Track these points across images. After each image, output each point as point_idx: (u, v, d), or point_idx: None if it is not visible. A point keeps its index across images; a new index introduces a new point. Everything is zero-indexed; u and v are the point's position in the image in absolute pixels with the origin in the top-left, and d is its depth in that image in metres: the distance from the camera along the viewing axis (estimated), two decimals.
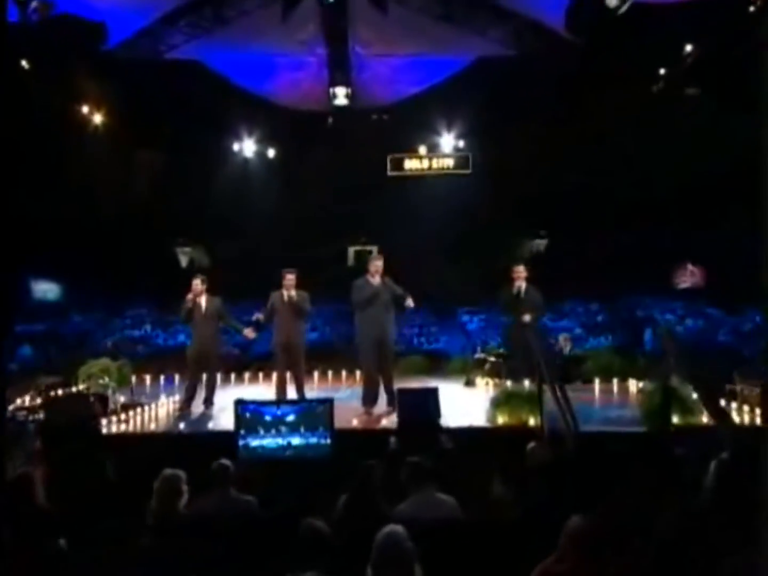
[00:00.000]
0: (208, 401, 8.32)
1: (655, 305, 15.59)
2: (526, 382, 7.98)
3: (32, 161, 11.59)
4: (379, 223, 15.97)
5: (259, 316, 8.35)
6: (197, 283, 8.26)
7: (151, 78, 12.37)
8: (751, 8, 10.38)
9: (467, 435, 6.76)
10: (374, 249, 16.73)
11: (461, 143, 15.44)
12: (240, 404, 6.02)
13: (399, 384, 9.88)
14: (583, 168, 13.96)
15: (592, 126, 13.26)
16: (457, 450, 6.28)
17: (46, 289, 15.56)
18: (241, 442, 5.78)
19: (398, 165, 16.02)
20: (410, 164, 16.17)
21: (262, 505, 4.68)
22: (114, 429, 7.35)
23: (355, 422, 7.33)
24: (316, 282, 12.54)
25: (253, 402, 6.40)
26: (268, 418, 5.91)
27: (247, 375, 11.91)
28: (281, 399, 7.81)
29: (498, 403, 7.28)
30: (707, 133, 12.19)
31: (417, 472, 4.59)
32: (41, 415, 6.67)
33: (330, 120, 14.49)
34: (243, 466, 5.41)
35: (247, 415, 5.93)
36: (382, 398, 8.05)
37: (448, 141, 15.40)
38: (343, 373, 11.88)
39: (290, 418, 5.91)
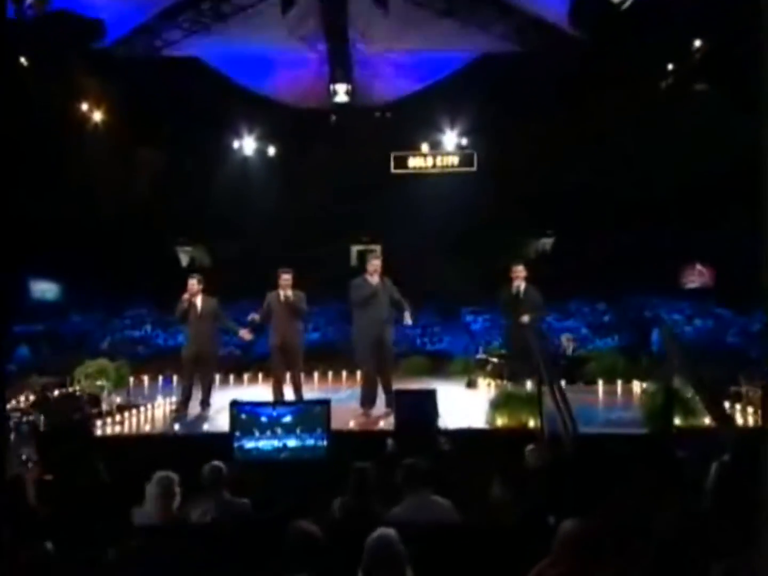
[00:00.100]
0: (205, 402, 8.31)
1: (662, 305, 15.55)
2: (528, 384, 7.96)
3: (32, 161, 11.63)
4: (381, 221, 15.99)
5: (255, 316, 8.33)
6: (193, 283, 8.25)
7: (150, 75, 12.41)
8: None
9: (465, 437, 6.73)
10: (377, 248, 16.76)
11: (464, 141, 15.44)
12: (235, 405, 6.02)
13: (400, 385, 9.93)
14: (588, 166, 13.94)
15: (595, 124, 13.25)
16: (455, 452, 6.28)
17: (45, 289, 15.63)
18: (236, 444, 5.75)
19: (402, 163, 16.04)
20: (414, 162, 16.19)
21: (256, 508, 4.67)
22: (109, 430, 7.36)
23: (352, 424, 7.31)
24: (318, 282, 12.66)
25: (249, 403, 6.42)
26: (264, 419, 5.89)
27: (246, 376, 11.93)
28: (278, 400, 7.82)
29: (497, 404, 7.27)
30: (711, 132, 12.16)
31: (412, 474, 4.56)
32: (34, 417, 6.69)
33: (333, 118, 14.50)
34: (238, 468, 5.43)
35: (243, 416, 5.91)
36: (382, 399, 8.02)
37: (450, 138, 15.40)
38: (344, 373, 11.88)
39: (286, 419, 5.89)
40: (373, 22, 12.06)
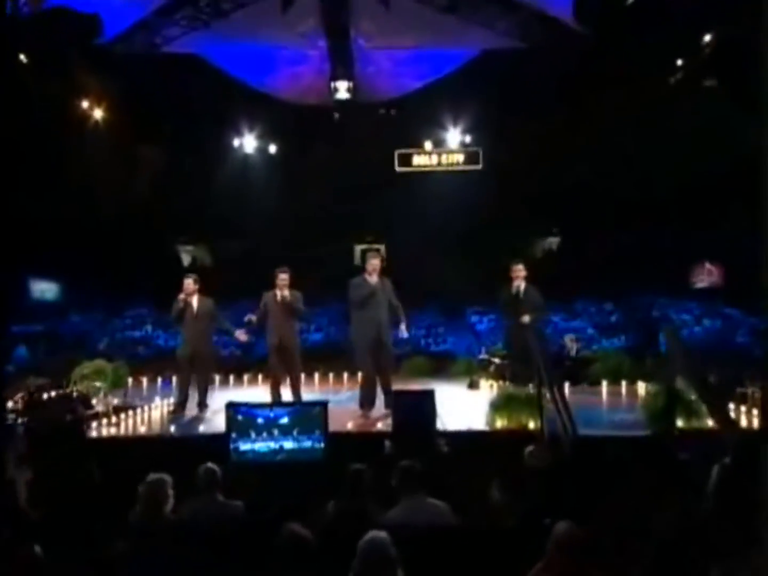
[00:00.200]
0: (202, 404, 8.33)
1: (670, 305, 15.52)
2: (531, 385, 7.94)
3: (31, 160, 11.69)
4: (385, 220, 16.01)
5: (251, 317, 8.34)
6: (189, 283, 8.27)
7: (149, 73, 12.43)
8: None
9: (464, 439, 6.75)
10: (381, 247, 16.78)
11: (468, 138, 15.43)
12: (232, 407, 6.03)
13: (401, 386, 9.94)
14: (594, 164, 13.90)
15: (599, 121, 13.23)
16: (454, 454, 6.28)
17: (44, 289, 15.68)
18: (232, 446, 5.75)
19: (406, 161, 16.04)
20: (419, 160, 16.17)
21: (251, 511, 4.68)
22: (105, 432, 7.39)
23: (350, 425, 7.31)
24: (321, 281, 12.68)
25: (245, 404, 6.42)
26: (260, 420, 5.88)
27: (246, 377, 11.93)
28: (275, 401, 7.84)
29: (497, 406, 7.25)
30: (723, 126, 12.11)
31: (408, 476, 4.57)
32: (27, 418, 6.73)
33: (336, 115, 14.50)
34: (233, 470, 5.44)
35: (239, 417, 5.90)
36: (381, 400, 8.00)
37: (454, 136, 15.39)
38: (345, 375, 11.88)
39: (283, 420, 5.88)
40: (375, 19, 12.06)
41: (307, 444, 5.86)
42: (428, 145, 15.72)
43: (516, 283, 8.88)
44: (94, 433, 7.26)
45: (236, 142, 15.36)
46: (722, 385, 8.32)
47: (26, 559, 3.48)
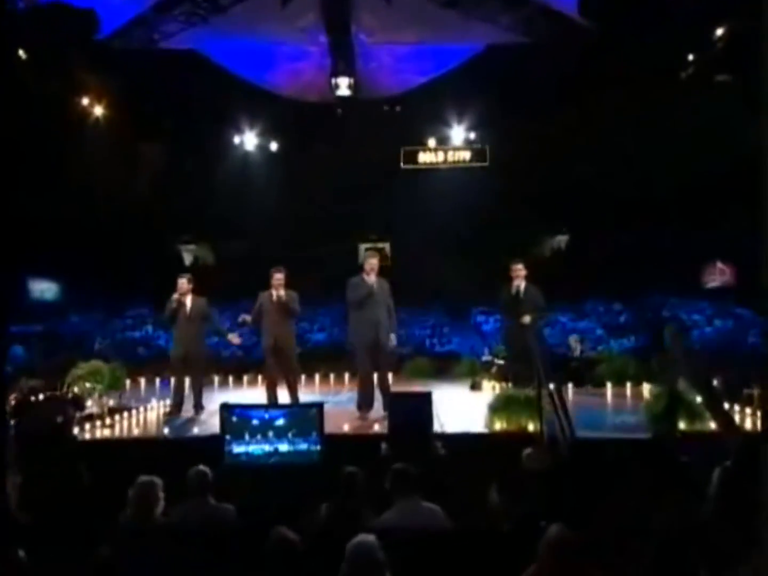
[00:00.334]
0: (198, 405, 8.36)
1: (681, 305, 15.44)
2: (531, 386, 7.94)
3: (31, 159, 11.75)
4: (389, 219, 16.00)
5: (246, 317, 8.37)
6: (183, 283, 8.30)
7: (148, 69, 12.44)
8: None
9: (462, 441, 6.75)
10: (386, 246, 16.81)
11: (472, 135, 15.41)
12: (226, 408, 6.05)
13: (402, 387, 10.01)
14: (601, 161, 13.86)
15: (606, 118, 13.16)
16: (451, 457, 6.29)
17: (43, 289, 15.74)
18: (225, 448, 5.78)
19: (412, 158, 16.03)
20: (424, 157, 16.17)
21: (243, 514, 4.70)
22: (98, 433, 7.43)
23: (346, 427, 7.32)
24: (324, 281, 12.70)
25: (240, 406, 6.45)
26: (255, 422, 5.90)
27: (246, 378, 11.96)
28: (271, 403, 7.85)
29: (495, 407, 7.26)
30: (731, 123, 12.05)
31: (402, 479, 4.58)
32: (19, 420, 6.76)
33: (339, 111, 14.49)
34: (227, 472, 5.46)
35: (234, 419, 5.92)
36: (380, 402, 8.00)
37: (458, 133, 15.37)
38: (346, 375, 11.90)
39: (279, 422, 5.90)
40: (376, 13, 12.02)
41: (303, 446, 5.88)
42: (432, 142, 15.71)
43: (516, 283, 8.87)
44: (87, 435, 7.31)
45: (237, 140, 15.38)
46: (729, 386, 8.32)
47: (9, 564, 3.50)
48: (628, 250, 14.55)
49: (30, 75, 11.49)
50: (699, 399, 6.44)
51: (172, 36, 12.22)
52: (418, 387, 9.53)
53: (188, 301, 8.33)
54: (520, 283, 8.85)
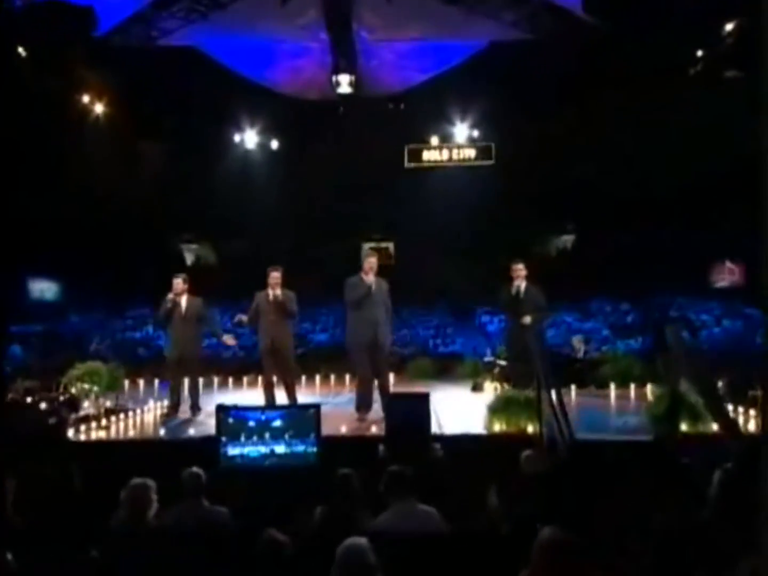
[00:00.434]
0: (195, 407, 8.36)
1: (689, 305, 15.41)
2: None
3: (30, 158, 11.80)
4: (392, 218, 16.02)
5: (241, 317, 8.37)
6: (178, 283, 8.31)
7: (147, 66, 12.47)
8: None
9: (460, 443, 6.75)
10: (390, 245, 16.82)
11: (476, 133, 15.39)
12: (222, 409, 6.06)
13: (404, 388, 10.02)
14: (607, 159, 13.85)
15: (611, 116, 13.16)
16: (450, 459, 6.28)
17: (43, 289, 15.80)
18: (221, 450, 5.79)
19: (416, 156, 16.03)
20: (429, 155, 16.17)
21: (238, 517, 4.71)
22: (93, 435, 7.45)
23: (344, 429, 7.33)
24: (327, 281, 12.71)
25: (236, 407, 6.46)
26: (251, 423, 5.88)
27: (246, 379, 11.96)
28: (268, 404, 7.85)
29: (495, 409, 7.26)
30: (736, 121, 11.99)
31: (397, 481, 4.57)
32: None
33: (341, 109, 14.49)
34: (222, 475, 5.47)
35: (230, 420, 5.91)
36: (379, 404, 8.00)
37: (461, 131, 15.35)
38: (347, 376, 11.90)
39: (276, 424, 5.90)
40: (377, 10, 12.01)
41: (300, 448, 5.87)
42: (434, 140, 15.71)
43: (516, 283, 8.85)
44: (82, 437, 7.33)
45: (237, 138, 15.39)
46: (733, 387, 8.30)
47: None
48: (635, 250, 14.54)
49: (29, 73, 11.54)
50: (700, 400, 6.43)
51: (171, 33, 12.25)
52: (419, 388, 9.50)
53: (183, 301, 8.33)
54: (521, 284, 8.82)
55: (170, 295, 8.31)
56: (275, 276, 8.11)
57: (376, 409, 7.92)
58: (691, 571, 3.23)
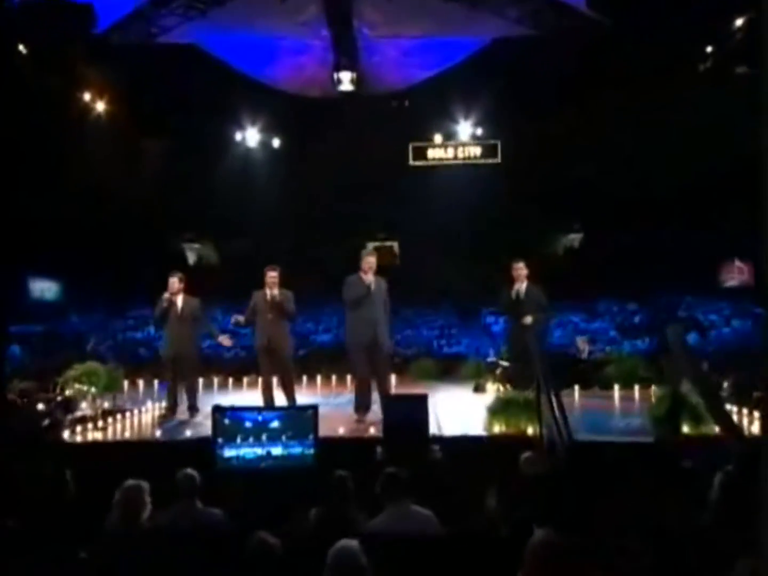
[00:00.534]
0: (193, 408, 8.39)
1: (698, 305, 15.36)
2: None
3: (30, 157, 11.85)
4: (398, 216, 16.00)
5: (238, 318, 8.40)
6: (174, 282, 8.35)
7: (148, 64, 12.51)
8: None
9: (459, 445, 6.76)
10: (394, 244, 16.82)
11: (479, 131, 15.38)
12: (218, 410, 6.09)
13: (407, 389, 10.04)
14: (613, 157, 13.82)
15: (616, 113, 13.12)
16: (448, 460, 6.30)
17: (44, 289, 15.85)
18: (216, 452, 5.81)
19: (421, 154, 16.02)
20: (434, 153, 16.14)
21: (232, 518, 4.73)
22: (89, 436, 7.49)
23: (341, 430, 7.34)
24: (331, 280, 12.72)
25: (233, 408, 6.49)
26: (248, 425, 5.91)
27: (246, 380, 11.99)
28: (266, 405, 7.86)
29: (494, 410, 7.27)
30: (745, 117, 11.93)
31: (392, 483, 4.58)
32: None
33: (346, 107, 14.48)
34: (219, 476, 5.50)
35: (226, 421, 5.93)
36: (378, 405, 8.02)
37: (465, 128, 15.33)
38: (348, 377, 11.91)
39: (273, 425, 5.92)
40: (379, 6, 11.99)
41: (298, 450, 5.89)
42: (438, 138, 15.70)
43: (517, 283, 8.87)
44: (78, 438, 7.37)
45: (238, 136, 15.41)
46: (738, 388, 8.29)
47: None
48: (642, 249, 14.49)
49: (30, 71, 11.59)
50: (702, 401, 6.43)
51: (171, 30, 12.26)
52: (421, 389, 9.51)
53: (179, 300, 8.37)
54: (522, 283, 8.84)
55: (166, 295, 8.35)
56: (272, 275, 8.12)
57: (376, 410, 7.91)
58: (691, 572, 3.25)
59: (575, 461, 5.35)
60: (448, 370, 12.86)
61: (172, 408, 8.39)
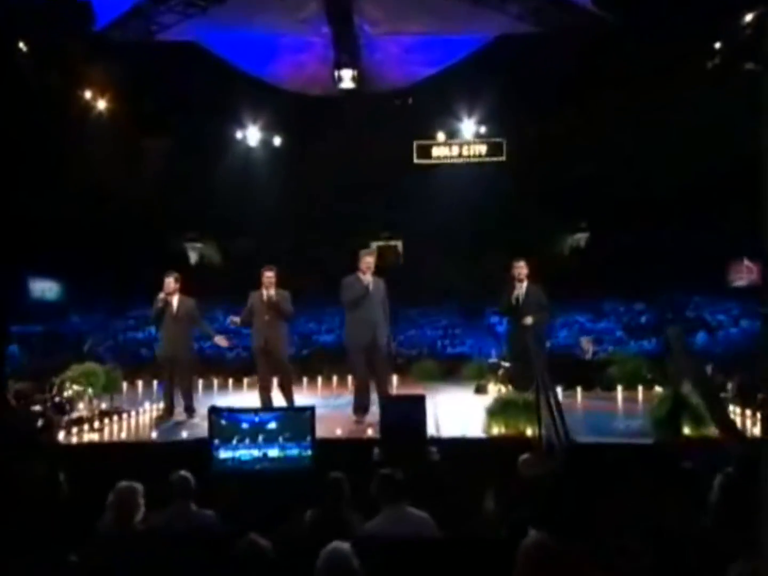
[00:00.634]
0: (189, 408, 8.42)
1: (706, 305, 15.34)
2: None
3: (31, 157, 11.89)
4: (402, 215, 16.01)
5: (234, 318, 8.42)
6: (170, 282, 8.36)
7: (148, 62, 12.52)
8: None
9: (457, 446, 6.77)
10: (398, 243, 16.83)
11: (483, 129, 15.36)
12: (214, 411, 6.10)
13: (409, 390, 10.06)
14: (619, 155, 13.80)
15: (621, 111, 13.09)
16: (446, 462, 6.32)
17: (44, 289, 15.91)
18: (213, 453, 5.82)
19: (425, 152, 16.00)
20: (438, 151, 16.12)
21: (227, 520, 4.75)
22: (85, 437, 7.52)
23: (339, 431, 7.37)
24: (333, 281, 12.74)
25: (229, 409, 6.51)
26: (245, 426, 5.94)
27: (246, 381, 12.02)
28: (264, 406, 7.87)
29: (493, 412, 7.28)
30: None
31: (388, 484, 4.59)
32: None
33: (349, 105, 14.47)
34: (215, 478, 5.52)
35: (222, 422, 5.96)
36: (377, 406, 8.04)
37: (468, 126, 15.31)
38: (350, 378, 11.93)
39: (270, 426, 5.95)
40: (379, 3, 11.96)
41: (295, 451, 5.91)
42: (441, 136, 15.69)
43: (517, 282, 8.87)
44: (74, 439, 7.41)
45: (239, 135, 15.42)
46: (743, 390, 8.29)
47: None
48: (658, 246, 14.46)
49: (29, 69, 11.63)
50: (702, 402, 6.43)
51: (170, 27, 12.25)
52: (423, 390, 9.55)
53: (175, 300, 8.39)
54: (522, 282, 8.84)
55: (161, 295, 8.37)
56: (269, 275, 8.13)
57: (375, 411, 7.87)
58: (690, 574, 3.26)
59: (573, 463, 5.35)
60: (451, 371, 12.86)
61: (169, 409, 8.42)
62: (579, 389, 10.09)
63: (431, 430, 6.93)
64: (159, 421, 8.31)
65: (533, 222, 15.23)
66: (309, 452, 5.89)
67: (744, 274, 15.37)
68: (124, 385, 11.25)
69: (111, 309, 16.27)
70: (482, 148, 15.92)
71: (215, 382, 12.05)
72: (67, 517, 4.44)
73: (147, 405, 9.07)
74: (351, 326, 8.06)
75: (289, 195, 15.34)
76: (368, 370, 8.01)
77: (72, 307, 16.07)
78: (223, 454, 5.88)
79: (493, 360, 11.50)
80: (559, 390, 9.20)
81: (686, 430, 6.58)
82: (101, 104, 13.60)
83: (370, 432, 7.34)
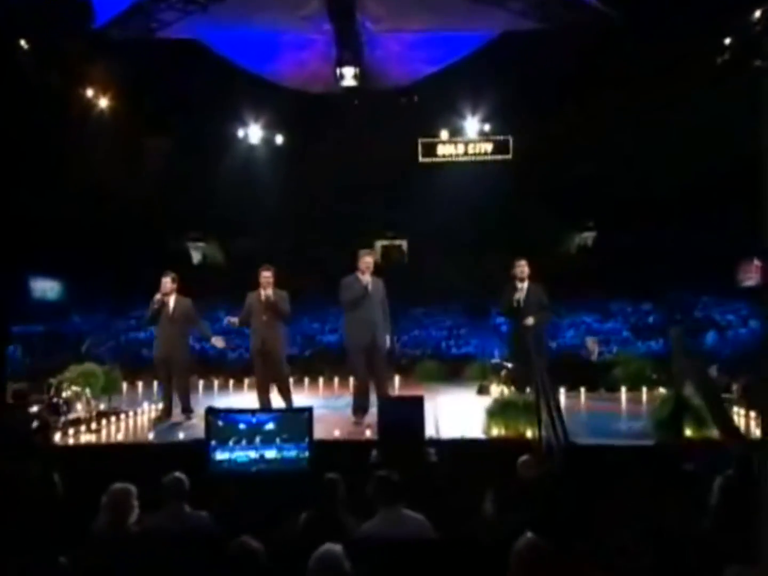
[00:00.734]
0: (186, 409, 8.42)
1: (715, 305, 15.31)
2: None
3: (31, 156, 11.95)
4: (406, 214, 16.03)
5: (232, 319, 8.42)
6: (167, 282, 8.36)
7: (148, 60, 12.58)
8: None
9: (456, 447, 6.76)
10: (403, 243, 16.84)
11: (487, 127, 15.36)
12: (211, 412, 6.11)
13: (411, 391, 10.05)
14: (623, 153, 13.80)
15: (626, 109, 13.09)
16: (444, 464, 6.32)
17: (45, 289, 15.98)
18: (209, 454, 5.81)
19: (431, 151, 16.01)
20: (443, 150, 16.14)
21: (222, 522, 4.77)
22: (83, 438, 7.54)
23: (337, 433, 7.37)
24: (336, 280, 12.75)
25: (226, 410, 6.51)
26: (242, 427, 5.93)
27: (247, 381, 12.05)
28: (262, 407, 7.88)
29: (493, 413, 7.28)
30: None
31: (384, 486, 4.59)
32: None
33: (356, 102, 14.47)
34: (212, 480, 5.54)
35: (219, 423, 5.94)
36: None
37: (472, 124, 15.31)
38: (351, 379, 11.95)
39: (267, 427, 5.94)
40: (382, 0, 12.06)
41: (292, 453, 5.89)
42: (444, 134, 15.69)
43: (519, 282, 8.86)
44: (71, 440, 7.43)
45: (241, 133, 15.44)
46: (747, 391, 8.27)
47: None
48: (665, 246, 14.45)
49: (30, 67, 11.70)
50: (704, 404, 6.43)
51: (170, 25, 12.31)
52: (426, 391, 9.54)
53: (171, 301, 8.39)
54: (523, 282, 8.83)
55: (158, 295, 8.37)
56: (267, 275, 8.10)
57: (374, 412, 7.84)
58: (690, 575, 3.27)
59: (573, 464, 5.36)
60: (454, 372, 12.85)
61: (167, 410, 8.43)
62: (583, 390, 10.07)
63: (431, 432, 6.94)
64: (157, 422, 8.32)
65: (535, 221, 15.25)
66: (306, 453, 5.86)
67: (753, 274, 15.33)
68: (124, 385, 11.26)
69: (112, 309, 16.31)
70: (488, 146, 15.94)
71: (216, 382, 12.07)
72: (62, 519, 4.48)
73: (145, 406, 9.10)
74: (350, 327, 8.05)
75: (290, 195, 15.38)
76: (368, 371, 8.00)
77: (73, 307, 16.12)
78: (220, 455, 5.86)
79: (496, 361, 11.49)
80: (562, 391, 9.28)
81: (688, 432, 6.57)
82: (102, 103, 13.66)
83: (368, 433, 7.32)
